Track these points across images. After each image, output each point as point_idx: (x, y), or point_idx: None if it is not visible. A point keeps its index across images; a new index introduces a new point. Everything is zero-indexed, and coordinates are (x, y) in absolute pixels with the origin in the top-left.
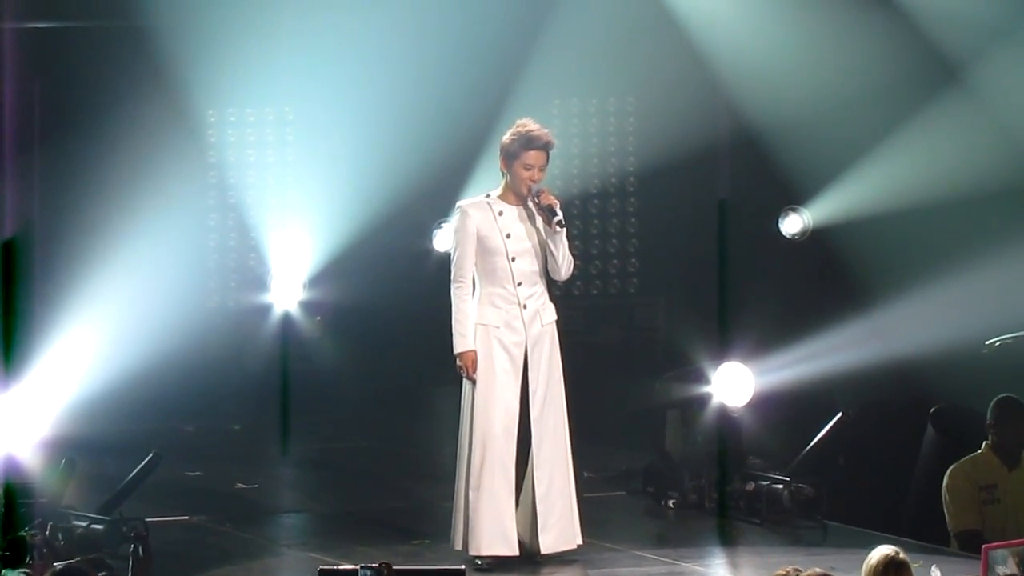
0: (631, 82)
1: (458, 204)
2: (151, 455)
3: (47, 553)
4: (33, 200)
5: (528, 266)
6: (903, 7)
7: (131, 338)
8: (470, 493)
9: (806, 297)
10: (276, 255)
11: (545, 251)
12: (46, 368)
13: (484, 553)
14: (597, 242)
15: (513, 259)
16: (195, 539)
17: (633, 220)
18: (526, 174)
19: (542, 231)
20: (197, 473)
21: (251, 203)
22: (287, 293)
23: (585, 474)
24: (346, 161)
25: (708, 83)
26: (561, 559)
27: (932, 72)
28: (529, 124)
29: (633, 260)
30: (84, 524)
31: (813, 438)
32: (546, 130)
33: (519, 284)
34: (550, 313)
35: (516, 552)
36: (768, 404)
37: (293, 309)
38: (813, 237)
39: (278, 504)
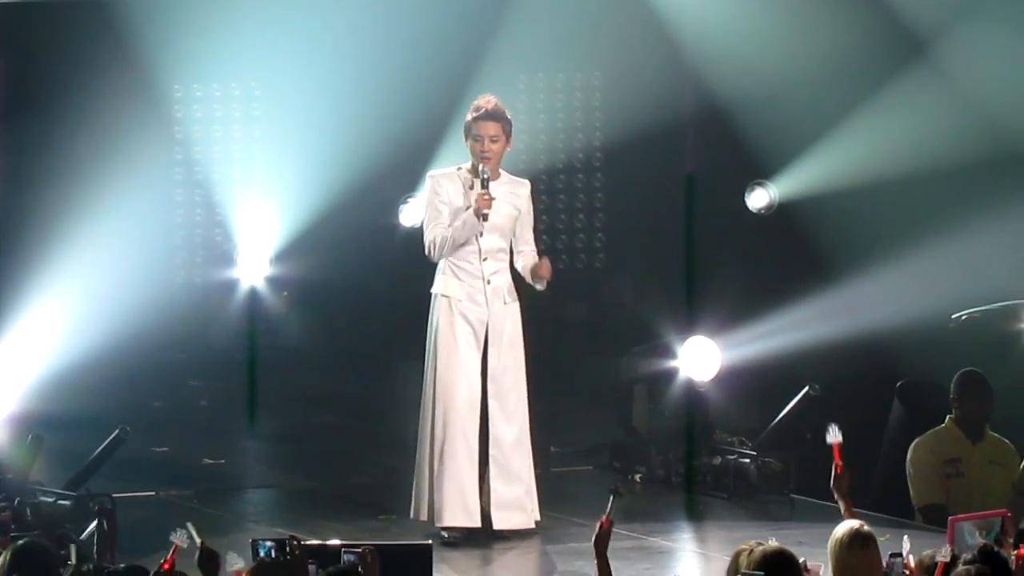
0: (597, 57)
1: (429, 174)
2: (118, 431)
3: (15, 529)
4: None
5: (495, 242)
6: None
7: (97, 314)
8: (434, 463)
9: (772, 271)
10: (242, 231)
11: (512, 230)
12: (12, 344)
13: (446, 524)
14: (563, 217)
15: (481, 234)
16: (162, 515)
17: (599, 195)
18: (476, 146)
19: (510, 209)
20: (164, 449)
21: (217, 179)
22: (253, 268)
23: (552, 448)
24: (312, 137)
25: (674, 58)
26: (524, 533)
27: (898, 46)
28: (480, 98)
29: (599, 235)
30: (51, 500)
31: (780, 412)
32: (492, 101)
33: (484, 259)
34: (513, 292)
35: (478, 524)
36: (735, 378)
37: (260, 284)
38: (779, 211)
39: (245, 479)
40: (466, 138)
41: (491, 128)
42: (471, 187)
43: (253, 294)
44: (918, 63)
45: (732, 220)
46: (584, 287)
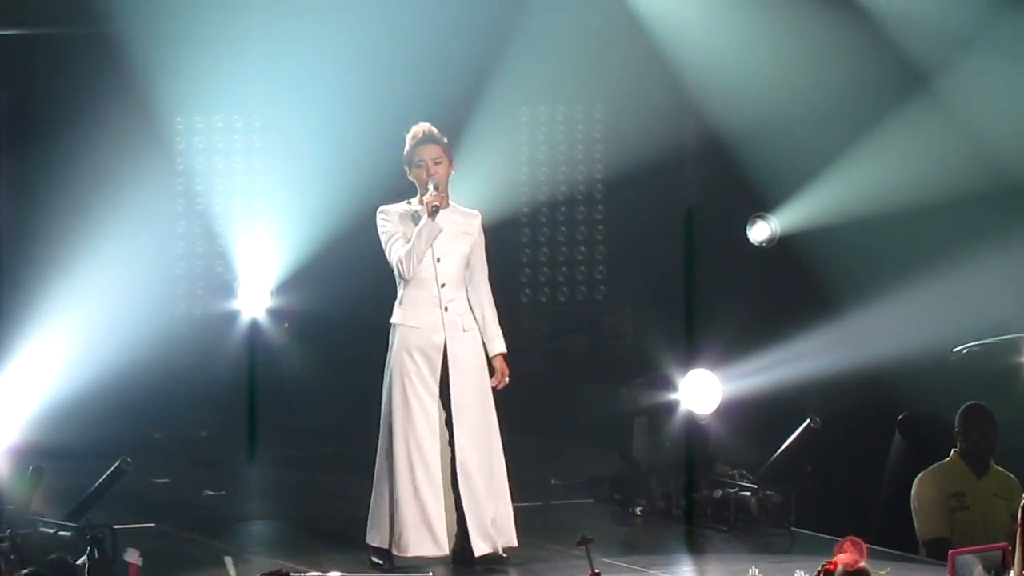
0: (598, 89)
1: (379, 209)
2: (118, 462)
3: (15, 560)
4: (0, 207)
5: (452, 268)
6: (870, 14)
7: (98, 345)
8: (396, 493)
9: (773, 304)
10: (243, 262)
11: (468, 258)
12: (13, 375)
13: (411, 553)
14: (564, 249)
15: (439, 260)
16: (162, 546)
17: (600, 227)
18: (421, 172)
19: (464, 237)
20: (164, 480)
21: (218, 210)
22: (254, 300)
23: (552, 481)
24: (314, 168)
25: (675, 90)
26: (509, 562)
27: (899, 78)
28: (414, 127)
29: (600, 267)
30: (51, 531)
31: (781, 445)
32: (427, 126)
33: (443, 286)
34: (471, 320)
35: (445, 552)
36: (736, 411)
37: (260, 316)
38: (781, 244)
39: (245, 511)
40: (409, 170)
41: (432, 150)
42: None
43: (254, 325)
44: (920, 96)
45: (733, 253)
46: (585, 319)
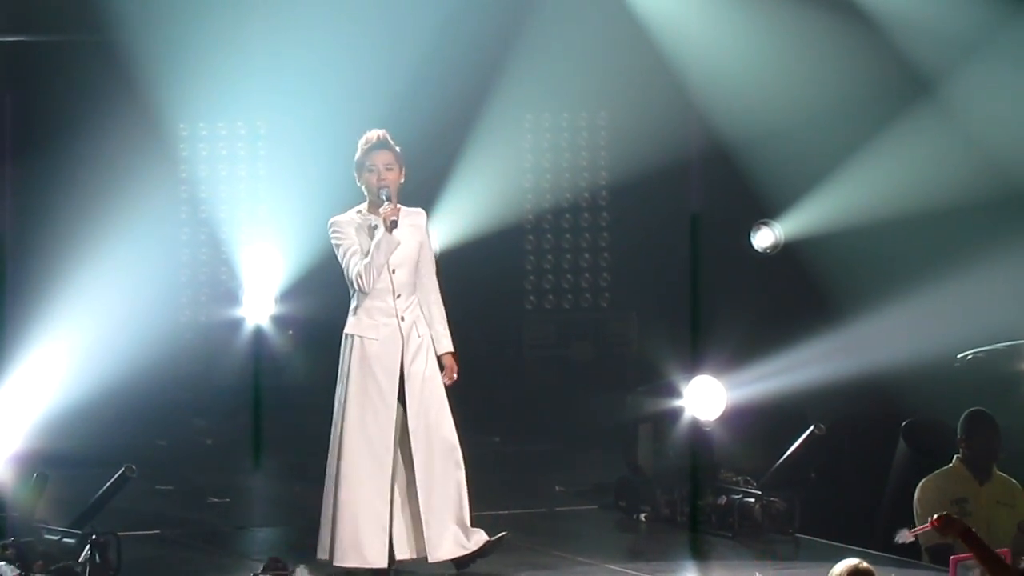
0: (603, 96)
1: (330, 220)
2: (123, 469)
3: (19, 567)
4: (4, 214)
5: (406, 277)
6: (875, 21)
7: (103, 352)
8: (339, 504)
9: (778, 311)
10: (248, 269)
11: (416, 263)
12: (18, 382)
13: (337, 563)
14: (569, 256)
15: (393, 271)
16: (167, 553)
17: (605, 234)
18: (372, 177)
19: (415, 240)
20: (169, 487)
21: (223, 217)
22: (259, 307)
23: (557, 488)
24: (318, 175)
25: (680, 97)
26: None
27: (904, 86)
28: (367, 132)
29: (605, 274)
30: (56, 538)
31: (785, 452)
32: (381, 132)
33: (398, 296)
34: (423, 324)
35: (369, 564)
36: (740, 418)
37: (265, 323)
38: (785, 251)
39: (250, 518)
40: (359, 176)
41: (384, 156)
42: (373, 226)
43: (258, 333)
44: (924, 103)
45: (737, 259)
46: (589, 326)
